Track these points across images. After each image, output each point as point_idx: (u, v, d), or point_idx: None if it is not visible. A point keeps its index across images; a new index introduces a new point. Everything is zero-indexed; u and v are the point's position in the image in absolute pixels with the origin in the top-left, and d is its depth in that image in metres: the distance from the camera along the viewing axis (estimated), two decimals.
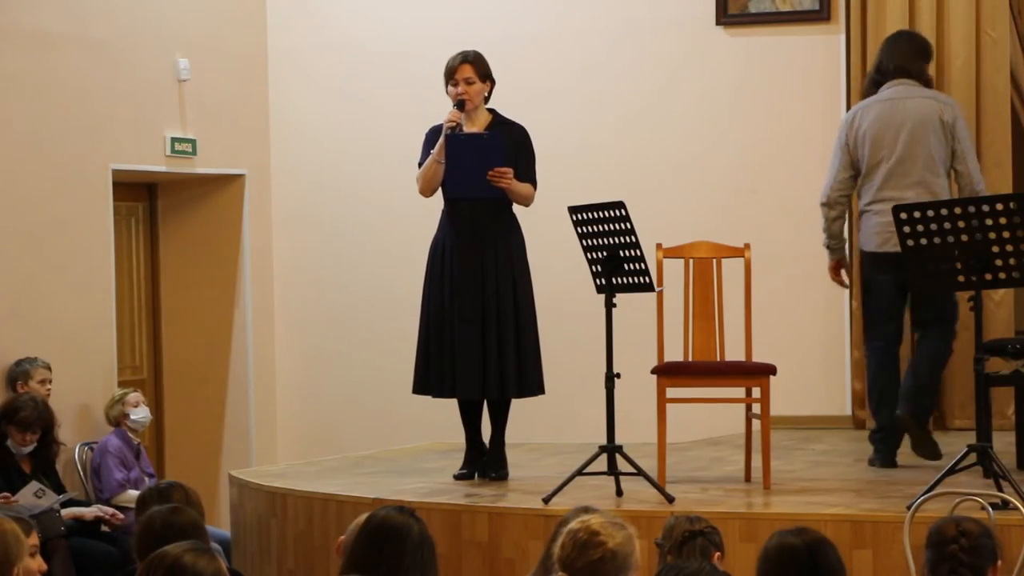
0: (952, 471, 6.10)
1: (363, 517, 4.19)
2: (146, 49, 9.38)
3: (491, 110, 7.41)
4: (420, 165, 7.39)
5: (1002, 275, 6.00)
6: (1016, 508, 5.39)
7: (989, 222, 5.96)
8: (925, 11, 8.95)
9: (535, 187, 7.33)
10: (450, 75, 7.31)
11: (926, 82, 7.53)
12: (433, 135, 7.39)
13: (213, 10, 9.82)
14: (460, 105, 7.26)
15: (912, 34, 8.00)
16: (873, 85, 7.57)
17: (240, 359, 9.95)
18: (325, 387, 10.12)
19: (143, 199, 10.04)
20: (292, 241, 10.17)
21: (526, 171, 7.28)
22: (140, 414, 8.59)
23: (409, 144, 7.60)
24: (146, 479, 8.43)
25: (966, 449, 6.12)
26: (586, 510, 4.27)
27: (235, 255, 9.98)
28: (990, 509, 5.21)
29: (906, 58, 7.48)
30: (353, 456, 8.83)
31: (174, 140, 9.52)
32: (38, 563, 4.19)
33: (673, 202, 9.28)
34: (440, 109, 7.49)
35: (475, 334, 7.20)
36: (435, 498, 6.86)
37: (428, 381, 7.33)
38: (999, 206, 5.96)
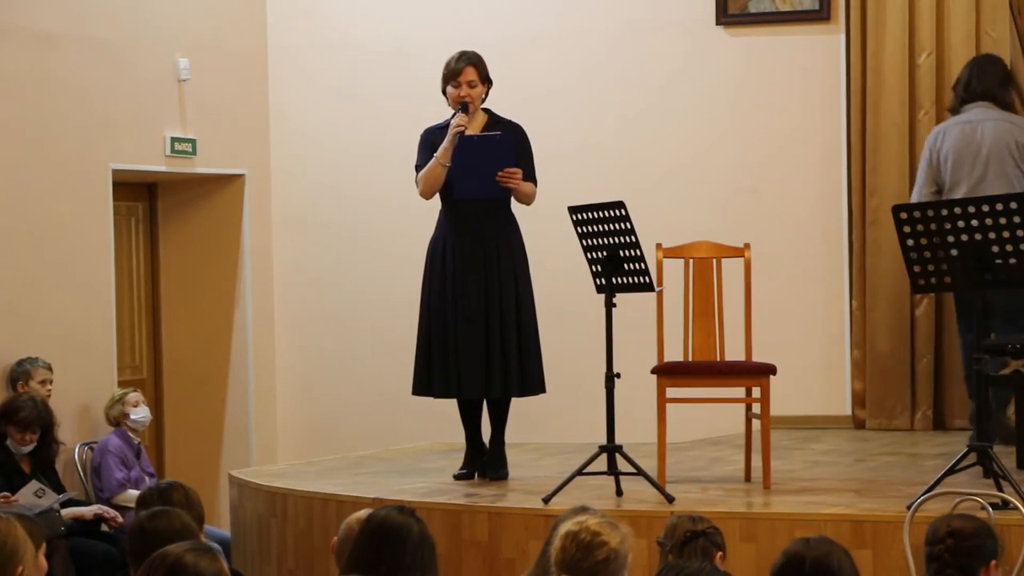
0: (952, 471, 6.10)
1: (354, 517, 4.20)
2: (146, 49, 9.38)
3: (486, 110, 7.41)
4: (417, 167, 7.37)
5: (1003, 275, 6.00)
6: (1016, 508, 5.39)
7: (989, 222, 5.96)
8: (925, 11, 8.96)
9: (536, 185, 7.33)
10: (452, 77, 7.30)
11: (1005, 105, 7.86)
12: (430, 137, 7.38)
13: (213, 10, 9.82)
14: (464, 108, 7.27)
15: (1000, 60, 8.22)
16: (959, 102, 7.92)
17: (240, 359, 9.94)
18: (325, 387, 10.12)
19: (143, 199, 10.04)
20: (292, 241, 10.17)
21: (527, 170, 7.28)
22: (140, 414, 8.58)
23: (409, 144, 7.60)
24: (146, 479, 8.43)
25: (966, 449, 6.13)
26: (581, 510, 4.27)
27: (235, 255, 9.97)
28: (990, 509, 5.21)
29: (994, 83, 7.85)
30: (353, 456, 8.83)
31: (174, 140, 9.52)
32: (41, 563, 4.18)
33: (673, 202, 9.28)
34: (440, 109, 7.49)
35: (478, 333, 7.19)
36: (435, 498, 6.86)
37: (430, 381, 7.31)
38: (999, 206, 5.96)
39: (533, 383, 7.33)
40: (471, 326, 7.19)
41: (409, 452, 8.82)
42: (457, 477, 7.41)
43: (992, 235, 5.96)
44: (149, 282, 10.03)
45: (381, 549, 3.91)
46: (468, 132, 7.24)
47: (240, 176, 9.99)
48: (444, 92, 7.37)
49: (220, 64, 9.80)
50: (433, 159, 7.27)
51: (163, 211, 10.08)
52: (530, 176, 7.29)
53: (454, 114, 7.31)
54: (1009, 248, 5.95)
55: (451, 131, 7.23)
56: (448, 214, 7.36)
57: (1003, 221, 5.95)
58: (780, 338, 8.60)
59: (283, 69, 10.14)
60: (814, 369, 9.13)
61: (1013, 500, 5.46)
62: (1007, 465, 6.13)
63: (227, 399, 9.97)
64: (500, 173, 7.12)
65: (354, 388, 10.02)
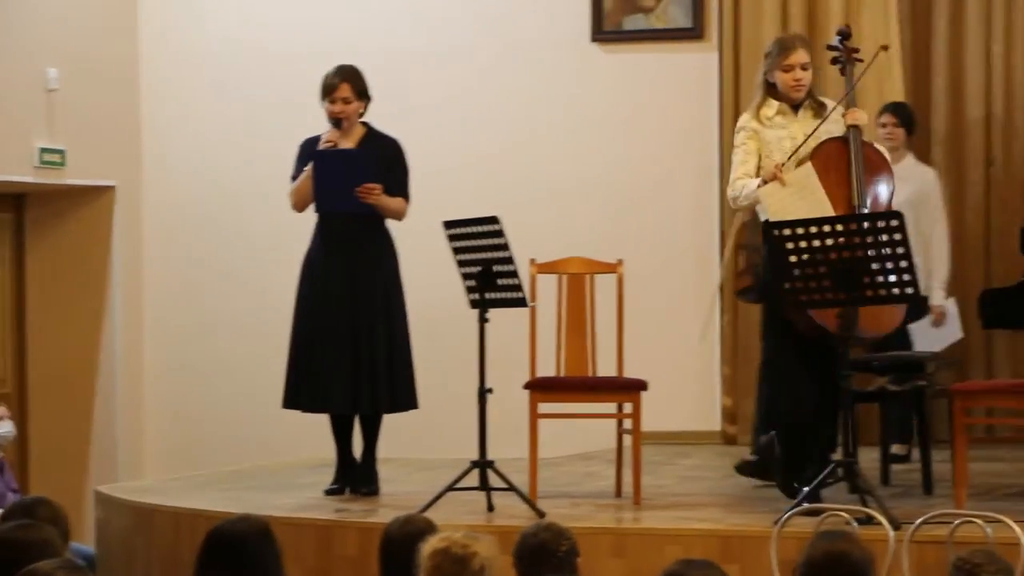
0: (817, 487, 6.16)
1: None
2: (14, 58, 9.22)
3: (365, 123, 7.40)
4: (293, 179, 7.36)
5: (881, 291, 6.08)
6: (880, 523, 5.46)
7: (864, 239, 6.03)
8: (798, 28, 9.05)
9: (408, 201, 7.32)
10: (327, 93, 7.29)
11: None
12: (307, 148, 7.36)
13: (84, 20, 9.68)
14: (337, 124, 7.26)
15: None
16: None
17: (108, 373, 9.81)
18: (195, 401, 10.01)
19: (11, 210, 9.88)
20: (163, 253, 10.06)
21: (398, 185, 7.28)
22: (4, 428, 8.44)
23: (284, 157, 7.57)
24: (10, 495, 8.27)
25: (832, 464, 6.20)
26: (409, 521, 4.33)
27: (104, 267, 9.84)
28: (855, 524, 5.28)
29: None
30: (223, 471, 8.74)
31: (43, 151, 9.37)
32: None
33: (548, 218, 9.31)
34: (317, 122, 7.45)
35: (347, 349, 7.17)
36: (305, 513, 6.81)
37: (299, 395, 7.29)
38: (870, 224, 6.05)
39: (404, 399, 7.32)
40: (340, 341, 7.17)
41: (280, 467, 8.76)
42: (328, 492, 7.37)
43: (866, 252, 6.03)
44: (15, 295, 9.87)
45: (221, 559, 3.93)
46: (342, 146, 7.23)
47: (110, 188, 9.86)
48: (324, 107, 7.35)
49: (90, 74, 9.66)
50: (304, 172, 7.26)
51: (31, 222, 9.93)
52: (401, 192, 7.28)
53: (329, 128, 7.30)
54: (884, 265, 6.02)
55: (320, 146, 7.22)
56: (321, 228, 7.34)
57: (879, 239, 6.02)
58: (652, 354, 8.63)
59: (155, 80, 10.03)
60: (685, 385, 9.20)
61: (877, 515, 5.53)
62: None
63: (94, 413, 9.83)
64: (359, 188, 7.12)
65: (225, 402, 9.92)
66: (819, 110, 6.73)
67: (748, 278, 7.44)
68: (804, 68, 6.70)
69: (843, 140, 6.62)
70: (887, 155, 6.85)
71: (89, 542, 8.55)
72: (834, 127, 6.67)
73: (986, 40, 9.04)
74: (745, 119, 6.79)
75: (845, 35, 6.90)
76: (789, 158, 6.57)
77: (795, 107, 6.73)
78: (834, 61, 6.90)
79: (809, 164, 6.55)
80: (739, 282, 7.58)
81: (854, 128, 6.62)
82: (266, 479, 8.22)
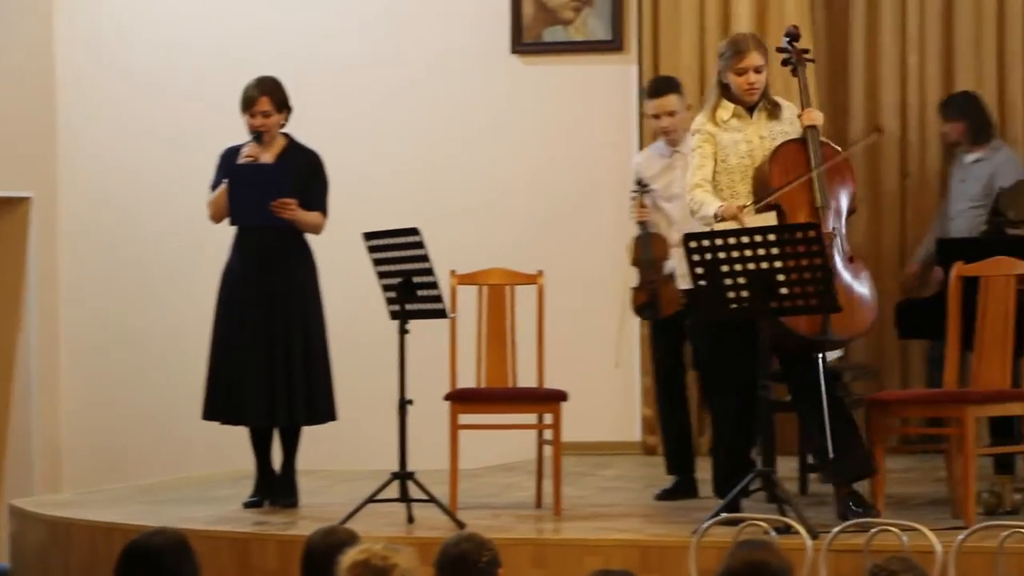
0: (730, 496, 6.21)
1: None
2: None
3: (286, 135, 7.37)
4: (212, 188, 7.34)
5: (787, 303, 6.13)
6: (798, 532, 5.50)
7: (775, 251, 6.08)
8: (712, 47, 9.11)
9: (325, 215, 7.31)
10: (247, 106, 7.26)
11: None
12: (227, 158, 7.33)
13: None
14: (257, 137, 7.24)
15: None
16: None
17: (24, 386, 9.70)
18: (113, 414, 9.91)
19: None
20: (80, 265, 9.96)
21: (316, 200, 7.27)
22: None
23: (202, 167, 7.53)
24: None
25: (751, 474, 6.24)
26: (332, 532, 4.33)
27: (20, 278, 9.73)
28: (773, 533, 5.31)
29: None
30: (141, 484, 8.67)
31: None
32: None
33: (469, 229, 9.30)
34: (235, 132, 7.42)
35: (264, 361, 7.16)
36: (224, 526, 6.78)
37: (217, 407, 7.28)
38: (778, 236, 6.10)
39: (322, 410, 7.30)
40: (257, 353, 7.16)
41: (200, 480, 8.70)
42: (247, 505, 7.33)
43: (777, 264, 6.08)
44: None
45: (138, 574, 3.94)
46: (262, 159, 7.21)
47: (26, 199, 9.76)
48: (244, 119, 7.32)
49: (4, 85, 9.56)
50: (222, 185, 7.23)
51: None
52: (318, 206, 7.27)
53: (249, 141, 7.25)
54: (794, 276, 6.08)
55: (239, 160, 7.21)
56: (239, 240, 7.32)
57: (788, 250, 6.08)
58: (572, 365, 8.65)
59: (71, 90, 9.94)
60: (605, 396, 9.22)
61: (795, 525, 5.57)
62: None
63: (9, 427, 9.71)
64: (273, 203, 7.09)
65: (144, 414, 9.83)
66: (774, 111, 6.67)
67: (643, 294, 7.43)
68: (758, 71, 6.60)
69: (801, 141, 6.57)
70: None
71: (3, 557, 8.46)
72: (789, 128, 6.63)
73: (901, 51, 9.13)
74: (700, 121, 6.69)
75: (794, 36, 6.81)
76: (752, 204, 6.47)
77: (749, 109, 6.66)
78: (785, 63, 6.82)
79: (773, 214, 6.46)
80: (636, 298, 7.47)
81: (811, 128, 6.56)
82: (184, 492, 8.17)
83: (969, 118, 8.52)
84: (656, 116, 7.51)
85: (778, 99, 6.77)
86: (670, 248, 7.36)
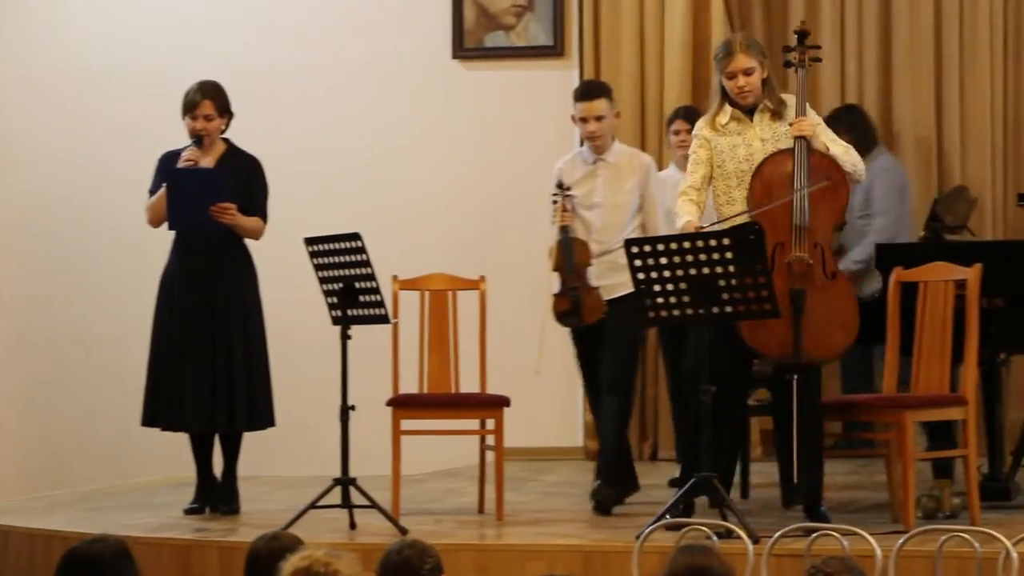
0: (679, 501, 6.22)
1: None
2: None
3: (226, 140, 7.35)
4: (151, 193, 7.31)
5: (740, 307, 6.15)
6: (739, 537, 5.52)
7: (716, 256, 6.11)
8: (652, 52, 9.16)
9: (265, 221, 7.29)
10: (189, 109, 7.23)
11: None
12: (165, 163, 7.30)
13: None
14: (198, 141, 7.21)
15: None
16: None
17: None
18: (52, 419, 9.84)
19: None
20: (15, 267, 9.89)
21: (255, 205, 7.25)
22: None
23: (140, 169, 7.50)
24: None
25: (693, 479, 6.26)
26: (276, 537, 4.32)
27: None
28: (715, 538, 5.33)
29: None
30: (81, 491, 8.61)
31: None
32: None
33: (411, 234, 9.30)
34: (175, 135, 7.40)
35: (203, 367, 7.14)
36: (164, 533, 6.75)
37: (157, 413, 7.25)
38: (719, 241, 6.12)
39: (261, 418, 7.30)
40: (195, 359, 7.14)
41: (139, 486, 8.65)
42: (187, 512, 7.29)
43: (719, 269, 6.11)
44: None
45: None
46: (202, 164, 7.19)
47: None
48: (185, 122, 7.29)
49: None
50: (160, 189, 7.21)
51: None
52: (258, 211, 7.25)
53: (188, 145, 7.22)
54: (734, 282, 6.11)
55: (179, 164, 7.18)
56: (177, 244, 7.29)
57: (727, 256, 6.10)
58: (515, 370, 8.65)
59: (8, 95, 9.87)
60: (548, 401, 9.23)
61: (736, 529, 5.60)
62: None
63: None
64: (212, 208, 7.06)
65: (83, 420, 9.77)
66: (778, 111, 6.46)
67: (565, 301, 7.23)
68: (747, 74, 6.41)
69: (790, 152, 6.37)
70: (843, 163, 6.46)
71: None
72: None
73: (840, 60, 9.19)
74: (699, 126, 6.58)
75: (804, 34, 6.59)
76: (725, 220, 6.35)
77: (750, 111, 6.49)
78: (786, 64, 6.64)
79: None
80: (557, 305, 7.26)
81: (799, 140, 6.35)
82: (124, 498, 8.13)
83: (855, 131, 8.25)
84: (584, 120, 7.24)
85: (785, 96, 6.56)
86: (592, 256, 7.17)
